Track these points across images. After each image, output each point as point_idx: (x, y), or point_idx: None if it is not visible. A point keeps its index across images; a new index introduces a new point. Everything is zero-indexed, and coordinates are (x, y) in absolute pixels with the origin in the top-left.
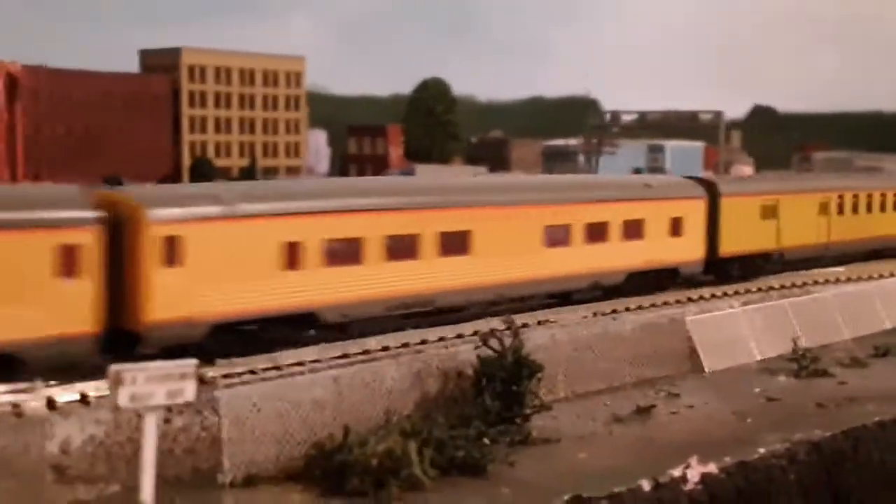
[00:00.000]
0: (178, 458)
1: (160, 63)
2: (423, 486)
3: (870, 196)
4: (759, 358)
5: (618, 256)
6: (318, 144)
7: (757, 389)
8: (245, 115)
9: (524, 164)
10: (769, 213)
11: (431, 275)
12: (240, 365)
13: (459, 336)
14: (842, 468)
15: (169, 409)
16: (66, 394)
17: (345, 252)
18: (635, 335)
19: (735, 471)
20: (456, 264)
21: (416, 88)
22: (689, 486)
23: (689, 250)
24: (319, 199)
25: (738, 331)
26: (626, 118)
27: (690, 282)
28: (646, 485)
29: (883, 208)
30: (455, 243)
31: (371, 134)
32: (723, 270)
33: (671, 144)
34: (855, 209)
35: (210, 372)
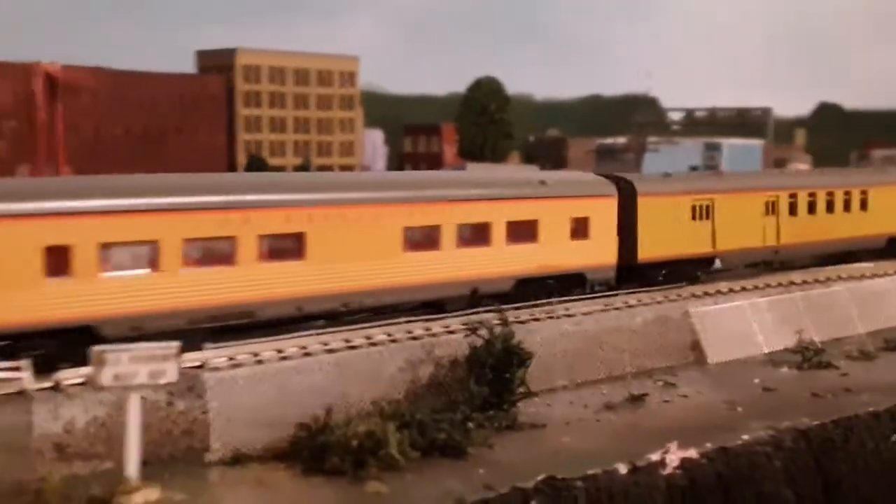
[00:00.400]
0: (175, 439)
1: (216, 64)
2: (399, 465)
3: (831, 195)
4: (766, 350)
5: (503, 261)
6: (374, 143)
7: (756, 380)
8: (299, 115)
9: (579, 163)
10: (702, 213)
11: (250, 283)
12: (228, 350)
13: (449, 326)
14: (832, 456)
15: (171, 393)
16: (72, 377)
17: (133, 257)
18: (642, 328)
19: (716, 456)
20: (284, 271)
21: (469, 87)
22: (667, 471)
23: (596, 254)
24: (98, 198)
25: (744, 324)
26: (676, 116)
27: (602, 286)
28: (622, 468)
29: (848, 208)
30: (284, 247)
31: (426, 133)
32: (644, 277)
33: (729, 142)
34: (812, 209)
35: (201, 356)
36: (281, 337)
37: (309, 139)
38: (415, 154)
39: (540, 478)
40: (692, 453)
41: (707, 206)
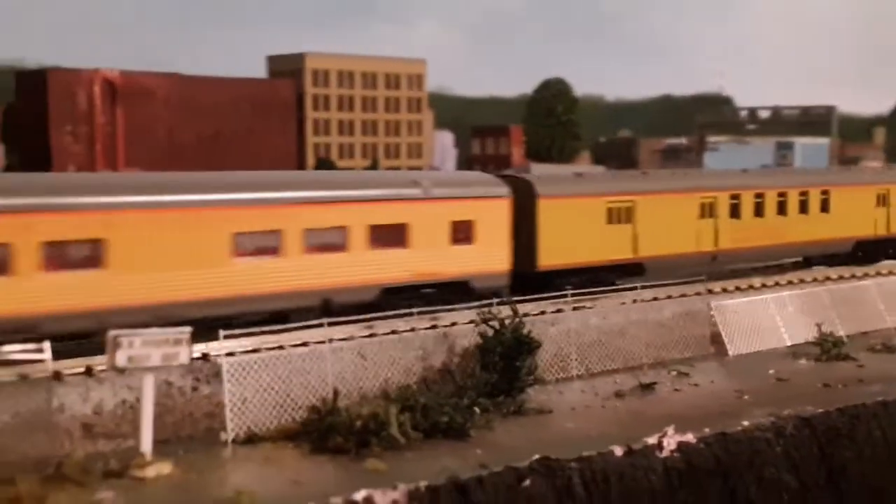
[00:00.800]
0: (195, 420)
1: (286, 68)
2: (400, 445)
3: (783, 195)
4: (789, 343)
5: (363, 269)
6: (444, 145)
7: (771, 371)
8: (367, 118)
9: (648, 164)
10: (621, 216)
11: (31, 295)
12: (246, 337)
13: (462, 317)
14: (837, 444)
15: (197, 379)
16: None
17: None
18: (663, 321)
19: (714, 441)
20: (78, 281)
21: (536, 89)
22: (664, 454)
23: (483, 261)
24: None
25: (767, 317)
26: (743, 115)
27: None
28: (618, 450)
29: (805, 209)
30: (77, 256)
31: (494, 135)
32: (550, 285)
33: (801, 141)
34: (759, 211)
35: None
36: (298, 325)
37: (377, 141)
38: (483, 156)
39: (534, 458)
40: (690, 437)
41: (627, 209)
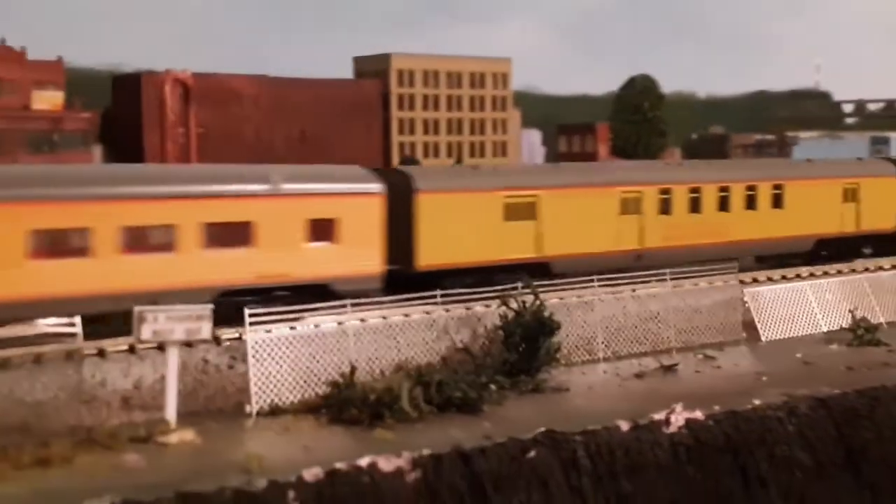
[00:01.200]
0: (228, 395)
1: (372, 68)
2: (411, 417)
3: (725, 190)
4: (824, 330)
5: (196, 270)
6: (531, 143)
7: (798, 355)
8: (452, 116)
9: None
10: (523, 212)
11: None
12: (268, 314)
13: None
14: (856, 425)
15: (233, 357)
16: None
17: None
18: (699, 307)
19: (724, 418)
20: None
21: (623, 86)
22: (671, 429)
23: (348, 262)
24: None
25: (804, 304)
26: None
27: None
28: (623, 425)
29: (752, 204)
30: None
31: (580, 132)
32: (437, 286)
33: None
34: (696, 207)
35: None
36: (324, 305)
37: (462, 140)
38: (569, 154)
39: (539, 431)
40: (698, 414)
41: (529, 204)
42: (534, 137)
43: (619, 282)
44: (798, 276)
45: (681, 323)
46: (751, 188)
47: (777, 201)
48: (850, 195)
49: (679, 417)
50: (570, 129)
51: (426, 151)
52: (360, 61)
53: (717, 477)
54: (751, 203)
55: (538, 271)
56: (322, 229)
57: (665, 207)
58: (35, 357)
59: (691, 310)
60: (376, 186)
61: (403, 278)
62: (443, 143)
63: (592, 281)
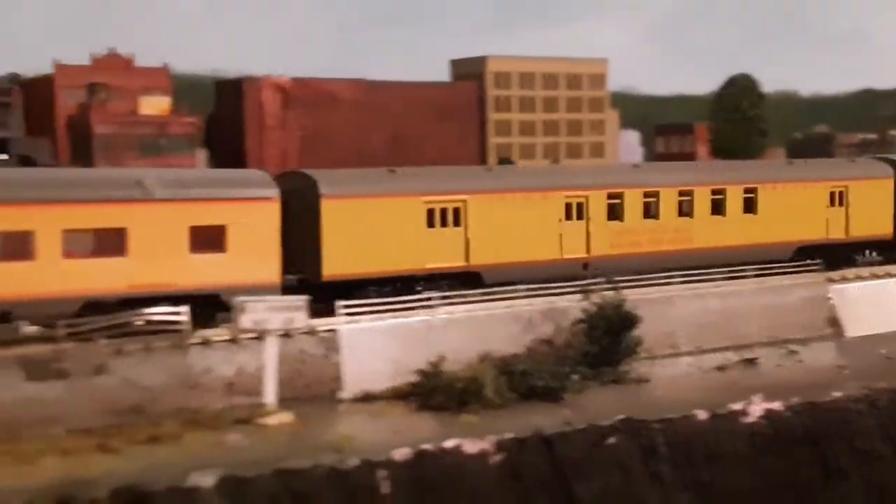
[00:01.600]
0: (323, 382)
1: (468, 71)
2: (495, 404)
3: (686, 194)
4: None
5: (57, 279)
6: (629, 144)
7: (882, 351)
8: (549, 118)
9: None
10: (446, 218)
11: None
12: (361, 305)
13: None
14: None
15: (328, 348)
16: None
17: None
18: (784, 304)
19: (802, 410)
20: None
21: (722, 85)
22: (750, 419)
23: (240, 271)
24: None
25: (889, 301)
26: None
27: None
28: (701, 414)
29: (719, 210)
30: None
31: (679, 133)
32: (347, 296)
33: None
34: (652, 212)
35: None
36: (414, 298)
37: (558, 141)
38: (667, 154)
39: (618, 418)
40: (777, 405)
41: (455, 210)
42: (631, 138)
43: (703, 278)
44: (888, 273)
45: (764, 319)
46: (718, 192)
47: (749, 206)
48: (838, 199)
49: (757, 408)
50: (669, 129)
51: (522, 153)
52: (456, 64)
53: (795, 467)
54: (718, 208)
55: (468, 281)
56: (209, 237)
57: (615, 213)
58: (146, 346)
59: (776, 306)
60: (270, 192)
61: (312, 288)
62: (539, 144)
63: (674, 278)
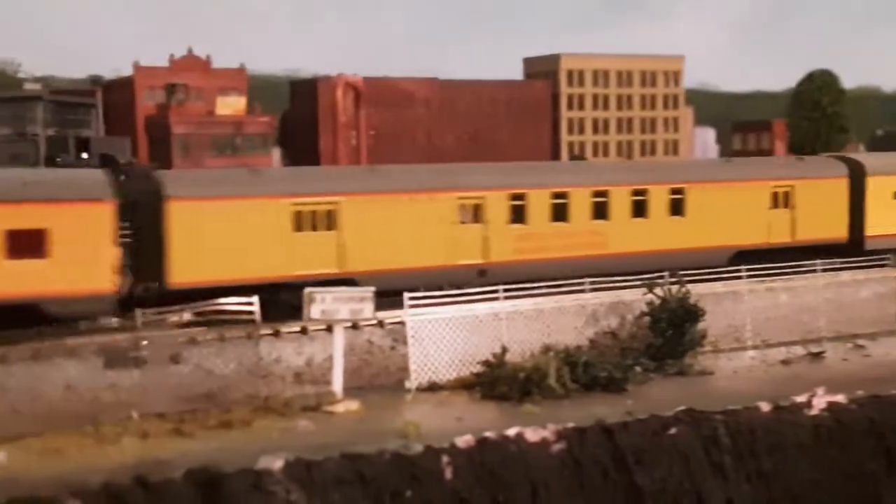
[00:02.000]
0: (390, 373)
1: (541, 69)
2: (557, 394)
3: (602, 195)
4: None
5: None
6: (705, 142)
7: None
8: (622, 115)
9: None
10: (319, 222)
11: None
12: (425, 297)
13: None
14: None
15: (395, 339)
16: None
17: None
18: (853, 299)
19: (867, 403)
20: None
21: (801, 81)
22: (813, 412)
23: (66, 279)
24: None
25: None
26: None
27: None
28: (764, 406)
29: (641, 212)
30: None
31: (756, 130)
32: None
33: None
34: (561, 215)
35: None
36: (479, 290)
37: (632, 139)
38: (744, 152)
39: (680, 408)
40: (840, 398)
41: (328, 213)
42: (707, 135)
43: (770, 272)
44: None
45: (833, 313)
46: (639, 193)
47: (677, 208)
48: (783, 200)
49: (821, 400)
50: (746, 126)
51: (595, 151)
52: (529, 62)
53: (859, 459)
54: (640, 210)
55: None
56: (27, 242)
57: (517, 216)
58: (219, 336)
59: (845, 301)
60: (102, 193)
61: (160, 297)
62: (612, 142)
63: (741, 271)
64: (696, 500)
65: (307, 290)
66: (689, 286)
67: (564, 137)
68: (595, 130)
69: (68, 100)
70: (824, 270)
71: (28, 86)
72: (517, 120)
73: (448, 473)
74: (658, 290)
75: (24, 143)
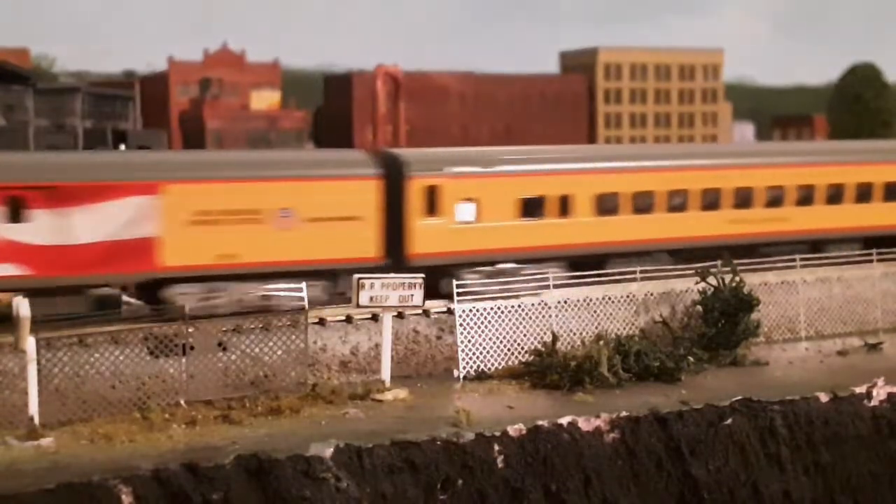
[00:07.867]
0: (437, 362)
1: (578, 63)
2: (609, 383)
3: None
4: None
5: None
6: (744, 136)
7: None
8: (660, 110)
9: None
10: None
11: None
12: (472, 285)
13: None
14: None
15: (441, 329)
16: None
17: None
18: None
19: None
20: None
21: (843, 75)
22: (873, 403)
23: None
24: None
25: None
26: None
27: None
28: (823, 396)
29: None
30: None
31: (796, 124)
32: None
33: None
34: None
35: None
36: (531, 276)
37: (669, 134)
38: None
39: (736, 398)
40: None
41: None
42: (746, 130)
43: (825, 262)
44: None
45: (890, 304)
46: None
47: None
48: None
49: (881, 391)
50: (786, 120)
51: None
52: (566, 56)
53: None
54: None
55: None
56: None
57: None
58: (266, 324)
59: None
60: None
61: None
62: (650, 136)
63: (795, 261)
64: (752, 491)
65: (355, 276)
66: (745, 276)
67: (601, 132)
68: (632, 125)
69: (106, 92)
70: (880, 260)
71: (63, 80)
72: (554, 114)
73: (500, 462)
74: (711, 279)
75: (63, 134)
